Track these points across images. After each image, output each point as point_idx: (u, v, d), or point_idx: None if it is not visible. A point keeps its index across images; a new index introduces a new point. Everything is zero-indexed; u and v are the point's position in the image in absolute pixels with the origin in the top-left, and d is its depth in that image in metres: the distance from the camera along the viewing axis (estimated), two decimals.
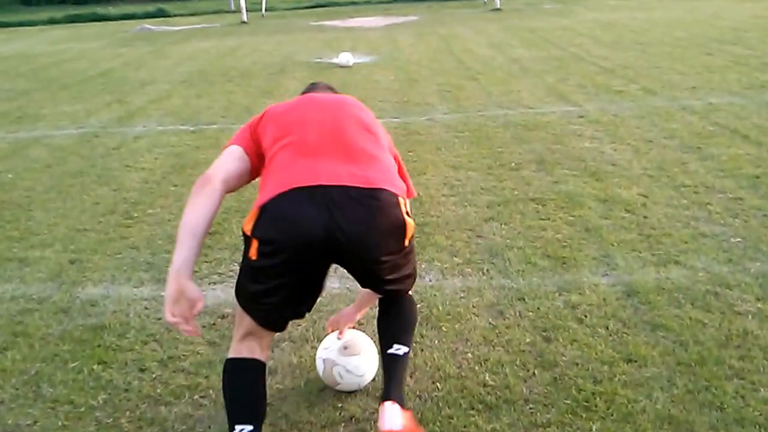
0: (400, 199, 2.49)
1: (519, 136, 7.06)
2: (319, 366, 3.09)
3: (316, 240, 2.30)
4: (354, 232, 2.33)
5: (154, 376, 3.24)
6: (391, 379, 2.62)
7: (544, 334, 3.49)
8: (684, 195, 5.28)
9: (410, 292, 2.85)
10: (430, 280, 4.09)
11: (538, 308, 3.72)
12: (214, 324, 3.69)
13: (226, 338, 3.53)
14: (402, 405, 2.52)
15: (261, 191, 2.44)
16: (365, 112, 2.77)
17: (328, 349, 3.08)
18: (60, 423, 2.94)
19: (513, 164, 6.16)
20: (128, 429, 2.89)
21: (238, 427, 2.41)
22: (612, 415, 2.86)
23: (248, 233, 2.39)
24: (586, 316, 3.63)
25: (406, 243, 2.53)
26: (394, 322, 2.77)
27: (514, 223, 4.86)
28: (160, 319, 3.76)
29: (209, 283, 4.17)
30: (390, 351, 2.67)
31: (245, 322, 2.53)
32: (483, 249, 4.46)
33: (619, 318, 3.60)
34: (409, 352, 2.72)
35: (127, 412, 2.99)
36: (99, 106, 9.48)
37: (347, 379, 3.01)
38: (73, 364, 3.35)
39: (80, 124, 8.48)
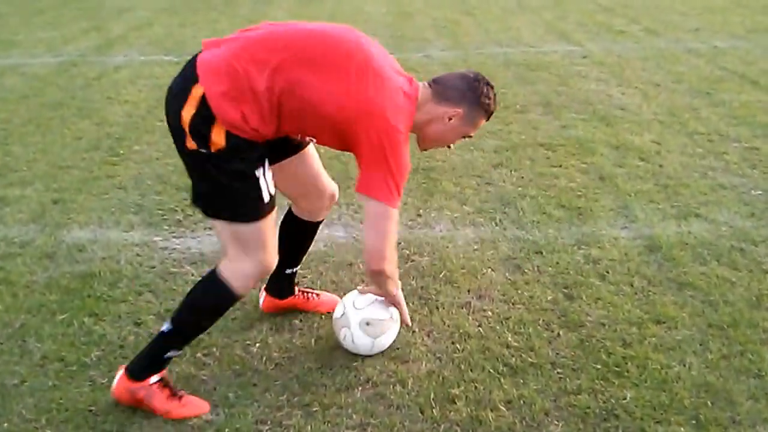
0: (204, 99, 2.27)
1: (522, 77, 6.79)
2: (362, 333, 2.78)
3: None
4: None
5: (150, 330, 3.00)
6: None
7: (565, 291, 3.30)
8: (698, 143, 5.08)
9: (228, 270, 2.49)
10: (441, 230, 3.87)
11: (557, 263, 3.53)
12: None
13: None
14: None
15: None
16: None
17: (362, 309, 2.79)
18: (50, 383, 2.70)
19: (518, 106, 5.91)
20: None
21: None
22: (646, 381, 2.69)
23: None
24: (608, 272, 3.44)
25: (187, 145, 2.33)
26: None
27: (525, 169, 4.64)
28: (153, 267, 3.52)
29: (204, 228, 3.90)
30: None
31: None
32: (494, 197, 4.24)
33: (644, 275, 3.42)
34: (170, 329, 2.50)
35: None
36: (76, 33, 9.03)
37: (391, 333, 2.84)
38: (62, 316, 3.10)
39: (57, 51, 8.06)
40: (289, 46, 2.37)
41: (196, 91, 2.27)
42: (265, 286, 3.07)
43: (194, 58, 2.36)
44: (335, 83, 2.33)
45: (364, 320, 2.74)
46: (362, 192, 2.42)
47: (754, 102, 5.95)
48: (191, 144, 2.30)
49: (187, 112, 2.27)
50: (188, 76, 2.32)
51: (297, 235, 2.97)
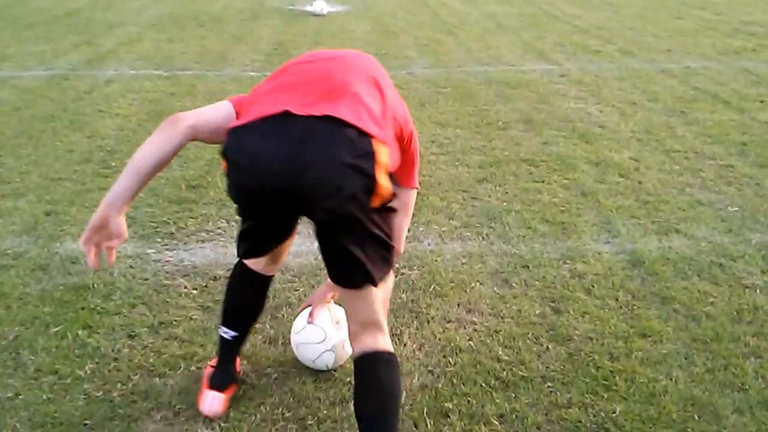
0: (374, 142, 1.95)
1: (503, 94, 6.78)
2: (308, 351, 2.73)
3: (274, 178, 1.91)
4: (318, 165, 1.88)
5: (145, 343, 2.93)
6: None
7: (552, 305, 3.26)
8: (675, 160, 5.08)
9: (391, 348, 2.19)
10: (429, 244, 3.82)
11: (544, 277, 3.49)
12: (206, 286, 3.38)
13: (220, 303, 3.21)
14: None
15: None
16: (380, 72, 2.30)
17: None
18: (45, 396, 2.61)
19: (500, 123, 5.89)
20: (120, 403, 2.58)
21: (223, 329, 2.61)
22: (634, 395, 2.66)
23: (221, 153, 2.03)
24: (593, 287, 3.41)
25: (375, 202, 1.99)
26: (370, 398, 2.14)
27: (509, 185, 4.60)
28: (146, 279, 3.44)
29: (197, 241, 3.84)
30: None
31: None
32: (480, 212, 4.20)
33: (628, 289, 3.39)
34: None
35: (119, 384, 2.68)
36: (67, 48, 8.90)
37: (339, 356, 2.73)
38: (56, 329, 3.01)
39: (48, 65, 7.93)
40: None
41: None
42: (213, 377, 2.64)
43: None
44: None
45: (335, 321, 2.72)
46: None
47: (727, 121, 5.97)
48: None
49: None
50: None
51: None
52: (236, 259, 3.38)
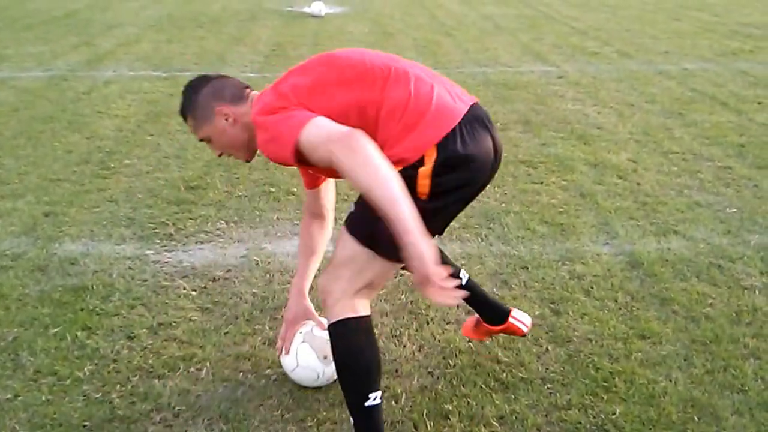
0: None
1: (501, 95, 6.77)
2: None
3: (492, 163, 2.23)
4: (498, 142, 2.27)
5: (144, 345, 2.91)
6: (486, 296, 2.81)
7: (552, 306, 3.25)
8: (673, 162, 5.07)
9: None
10: None
11: (543, 278, 3.48)
12: (204, 287, 3.36)
13: (219, 304, 3.22)
14: None
15: (408, 130, 2.12)
16: None
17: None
18: (44, 397, 2.60)
19: (498, 124, 5.87)
20: (119, 405, 2.57)
21: (372, 395, 2.18)
22: (633, 396, 2.65)
23: (428, 176, 2.10)
24: (593, 288, 3.40)
25: None
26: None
27: (507, 186, 4.60)
28: (145, 281, 3.42)
29: (196, 242, 3.82)
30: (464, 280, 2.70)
31: (371, 271, 2.16)
32: (479, 213, 4.19)
33: (627, 291, 3.38)
34: None
35: (118, 386, 2.67)
36: (66, 48, 8.89)
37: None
38: (55, 330, 3.00)
39: (47, 66, 7.92)
40: None
41: None
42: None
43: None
44: None
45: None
46: None
47: (725, 123, 5.97)
48: None
49: None
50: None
51: None
52: (234, 260, 3.38)
